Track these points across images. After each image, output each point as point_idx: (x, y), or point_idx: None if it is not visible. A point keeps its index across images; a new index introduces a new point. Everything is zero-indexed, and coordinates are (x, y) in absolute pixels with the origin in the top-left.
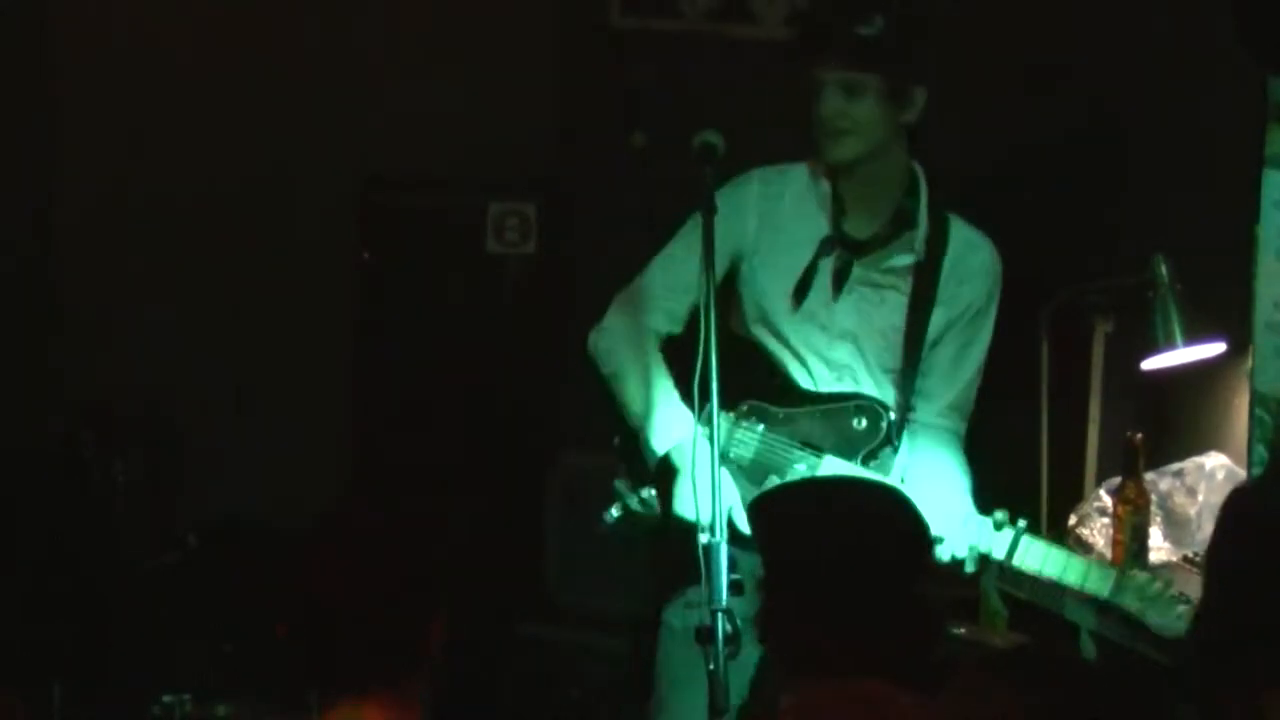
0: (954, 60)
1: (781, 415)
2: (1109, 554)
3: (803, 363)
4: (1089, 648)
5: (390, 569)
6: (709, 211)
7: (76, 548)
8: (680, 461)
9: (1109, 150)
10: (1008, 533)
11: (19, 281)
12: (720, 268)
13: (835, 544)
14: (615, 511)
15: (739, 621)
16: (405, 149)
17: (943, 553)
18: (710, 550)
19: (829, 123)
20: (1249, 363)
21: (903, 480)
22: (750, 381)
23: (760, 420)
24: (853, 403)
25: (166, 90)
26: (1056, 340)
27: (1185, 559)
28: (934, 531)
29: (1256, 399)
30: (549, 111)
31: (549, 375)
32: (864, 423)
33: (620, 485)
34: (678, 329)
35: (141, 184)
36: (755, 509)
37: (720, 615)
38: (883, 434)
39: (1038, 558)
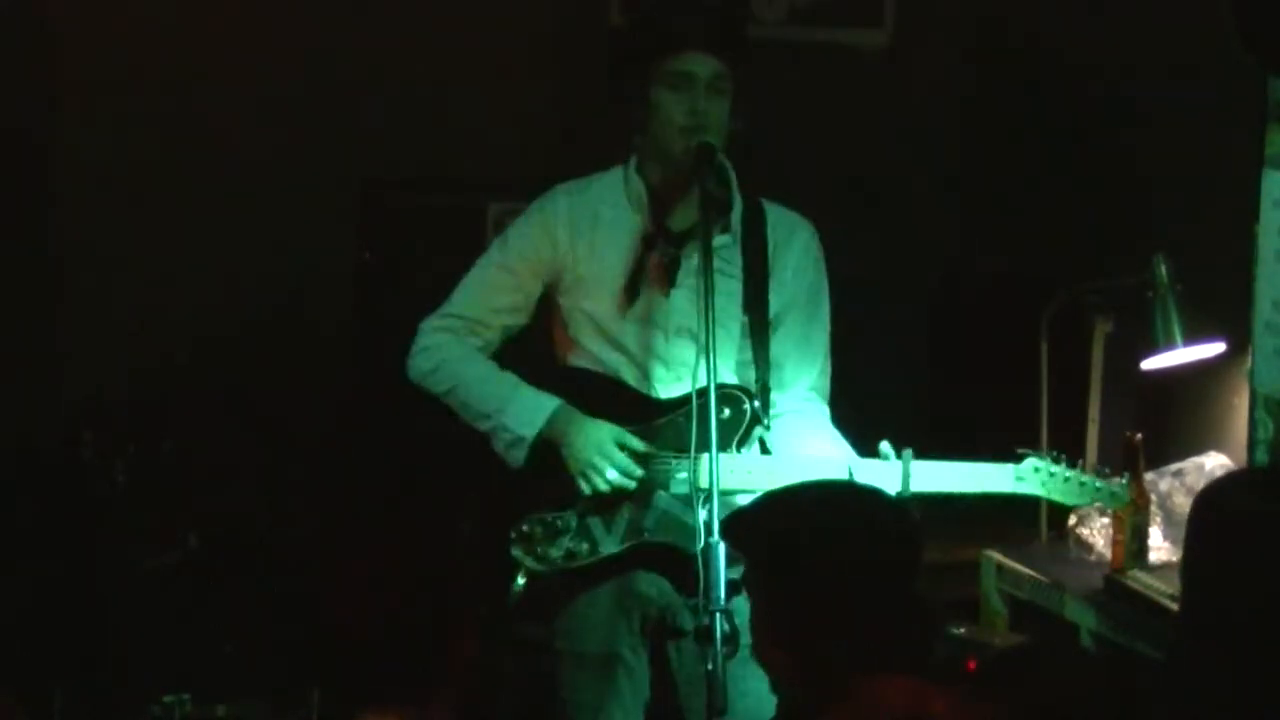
0: (957, 62)
1: (645, 431)
2: (1109, 554)
3: (638, 366)
4: (1089, 648)
5: (409, 586)
6: (708, 210)
7: (76, 548)
8: (561, 436)
9: (1109, 150)
10: (896, 464)
11: (18, 282)
12: (535, 287)
13: (828, 550)
14: (520, 580)
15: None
16: (405, 149)
17: None
18: (708, 550)
19: (697, 116)
20: (1249, 363)
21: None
22: (596, 410)
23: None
24: (704, 400)
25: (166, 90)
26: (1056, 340)
27: None
28: None
29: (1256, 399)
30: (549, 111)
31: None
32: (727, 412)
33: (518, 553)
34: (487, 354)
35: (141, 184)
36: (740, 522)
37: (719, 615)
38: (748, 416)
39: (932, 478)
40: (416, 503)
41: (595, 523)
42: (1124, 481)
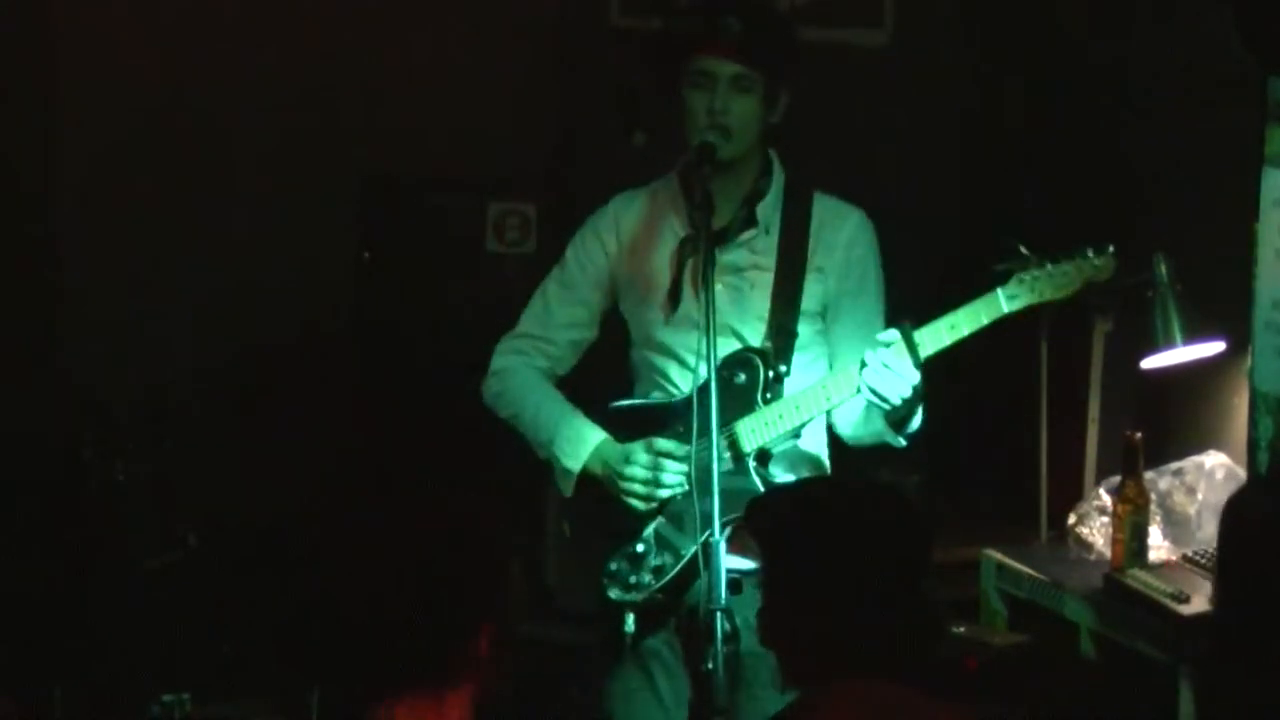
0: (957, 62)
1: (676, 432)
2: (1109, 553)
3: (683, 367)
4: (1089, 648)
5: (424, 573)
6: (707, 211)
7: (76, 548)
8: (599, 468)
9: (1109, 150)
10: (900, 344)
11: (18, 282)
12: (596, 298)
13: (838, 545)
14: (631, 618)
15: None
16: (406, 149)
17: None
18: (710, 549)
19: (716, 116)
20: (1249, 362)
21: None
22: (634, 432)
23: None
24: (722, 373)
25: (166, 90)
26: (1056, 340)
27: (1185, 558)
28: (893, 397)
29: (1256, 399)
30: (549, 111)
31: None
32: (742, 376)
33: (615, 593)
34: (562, 370)
35: (143, 183)
36: (755, 512)
37: (719, 615)
38: (762, 371)
39: (932, 339)
40: (422, 499)
41: (668, 530)
42: (1109, 249)
